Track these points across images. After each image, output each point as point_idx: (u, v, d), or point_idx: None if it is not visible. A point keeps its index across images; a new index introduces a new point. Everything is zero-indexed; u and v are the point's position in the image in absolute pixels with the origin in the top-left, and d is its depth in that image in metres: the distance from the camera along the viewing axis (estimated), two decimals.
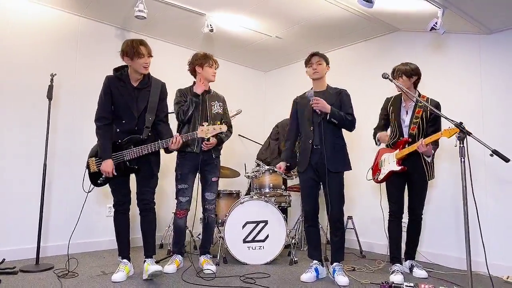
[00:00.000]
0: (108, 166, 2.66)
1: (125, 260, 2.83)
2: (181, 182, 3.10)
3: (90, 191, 2.77)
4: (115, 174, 2.68)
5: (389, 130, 3.18)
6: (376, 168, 3.14)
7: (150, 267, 2.65)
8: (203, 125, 2.76)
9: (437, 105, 2.91)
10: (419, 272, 2.98)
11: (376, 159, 3.18)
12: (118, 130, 2.76)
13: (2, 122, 3.39)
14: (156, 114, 2.79)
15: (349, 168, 2.92)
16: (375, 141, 3.22)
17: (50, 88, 3.27)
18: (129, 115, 2.74)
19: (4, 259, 3.07)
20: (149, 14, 3.55)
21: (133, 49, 2.66)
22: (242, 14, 3.82)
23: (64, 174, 3.69)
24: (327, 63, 2.96)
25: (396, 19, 3.74)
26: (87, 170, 2.80)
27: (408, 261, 3.11)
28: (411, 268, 3.06)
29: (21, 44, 3.54)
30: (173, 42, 4.60)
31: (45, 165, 3.21)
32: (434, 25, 3.11)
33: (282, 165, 3.10)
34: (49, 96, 3.25)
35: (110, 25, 4.12)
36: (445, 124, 2.92)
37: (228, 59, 5.19)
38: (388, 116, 3.12)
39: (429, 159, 2.88)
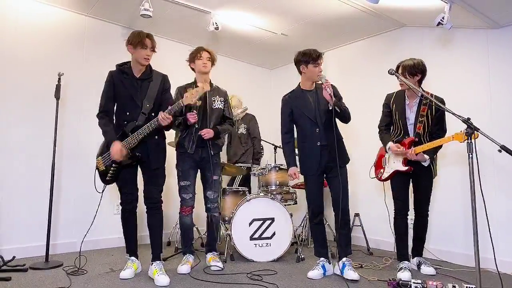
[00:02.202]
0: (117, 149, 2.60)
1: (133, 258, 2.86)
2: (183, 179, 3.07)
3: (103, 191, 2.77)
4: (129, 155, 2.63)
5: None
6: (379, 165, 3.12)
7: (158, 277, 2.61)
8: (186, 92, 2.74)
9: (442, 102, 2.85)
10: (426, 269, 2.96)
11: (379, 156, 3.17)
12: (125, 122, 2.72)
13: (10, 121, 3.43)
14: (160, 104, 2.77)
15: (349, 159, 3.01)
16: (385, 147, 3.06)
17: (58, 87, 3.30)
18: (133, 106, 2.73)
19: (14, 257, 3.11)
20: (155, 13, 3.56)
21: (139, 39, 2.68)
22: (247, 11, 3.82)
23: (72, 173, 3.73)
24: None
25: (402, 15, 3.71)
26: (96, 170, 2.80)
27: (415, 258, 3.09)
28: (418, 265, 3.04)
29: (29, 44, 3.58)
30: (179, 40, 4.61)
31: (53, 163, 3.24)
32: (441, 20, 3.08)
33: (295, 170, 3.01)
34: (57, 96, 3.29)
35: (116, 24, 4.15)
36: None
37: (233, 56, 5.19)
38: (392, 113, 3.06)
39: (425, 164, 2.85)
